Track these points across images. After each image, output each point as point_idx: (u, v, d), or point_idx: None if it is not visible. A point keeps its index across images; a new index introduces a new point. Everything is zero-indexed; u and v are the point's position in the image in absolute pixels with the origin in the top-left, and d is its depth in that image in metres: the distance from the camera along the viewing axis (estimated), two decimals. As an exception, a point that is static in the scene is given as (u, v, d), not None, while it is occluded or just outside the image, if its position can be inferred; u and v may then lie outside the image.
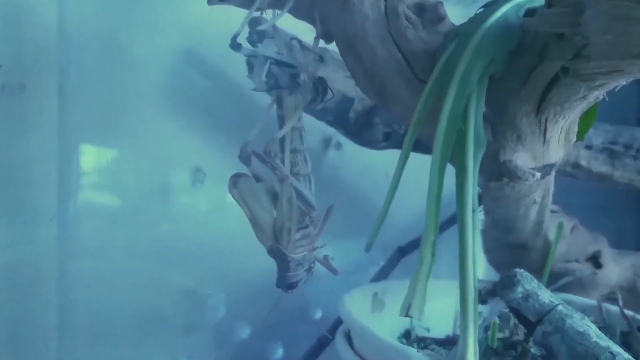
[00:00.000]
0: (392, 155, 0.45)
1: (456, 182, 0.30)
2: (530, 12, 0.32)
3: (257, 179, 0.37)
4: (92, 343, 0.49)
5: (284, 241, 0.36)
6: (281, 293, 0.38)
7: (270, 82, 0.37)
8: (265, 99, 0.40)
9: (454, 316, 0.47)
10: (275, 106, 0.38)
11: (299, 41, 0.40)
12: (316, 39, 0.38)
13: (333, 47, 0.38)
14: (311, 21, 0.38)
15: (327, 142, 0.60)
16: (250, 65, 0.40)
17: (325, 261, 0.38)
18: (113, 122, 0.49)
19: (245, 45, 0.37)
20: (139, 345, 0.52)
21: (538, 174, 0.34)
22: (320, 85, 0.39)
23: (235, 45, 0.36)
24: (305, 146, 0.38)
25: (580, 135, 0.36)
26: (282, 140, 0.38)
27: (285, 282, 0.37)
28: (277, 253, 0.36)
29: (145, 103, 0.51)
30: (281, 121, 0.38)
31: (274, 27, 0.39)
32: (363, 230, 0.34)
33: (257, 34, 0.37)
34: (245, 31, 0.37)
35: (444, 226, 0.39)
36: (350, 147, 0.54)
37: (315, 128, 0.55)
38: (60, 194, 0.47)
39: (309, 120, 0.47)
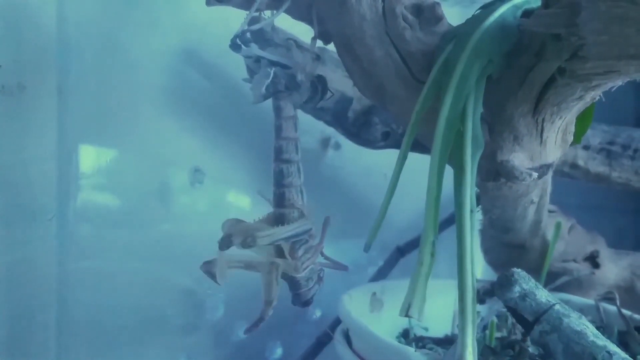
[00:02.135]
0: (391, 156, 0.45)
1: (454, 182, 0.30)
2: (527, 13, 0.32)
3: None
4: (91, 343, 0.49)
5: (289, 268, 0.36)
6: (285, 297, 0.38)
7: (269, 89, 0.37)
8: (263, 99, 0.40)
9: (453, 315, 0.47)
10: (275, 117, 0.38)
11: (296, 41, 0.40)
12: (314, 39, 0.38)
13: (331, 46, 0.38)
14: (309, 22, 0.38)
15: (325, 142, 0.60)
16: (249, 69, 0.40)
17: (330, 264, 0.38)
18: (112, 123, 0.49)
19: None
20: (138, 345, 0.52)
21: (535, 174, 0.34)
22: (320, 84, 0.39)
23: (235, 46, 0.36)
24: (299, 157, 0.38)
25: (577, 138, 0.36)
26: (279, 151, 0.38)
27: (300, 300, 0.38)
28: (285, 276, 0.37)
29: (145, 103, 0.51)
30: (279, 130, 0.38)
31: (272, 27, 0.39)
32: (362, 231, 0.34)
33: (251, 34, 0.37)
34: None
35: (443, 226, 0.39)
36: (349, 147, 0.54)
37: (314, 128, 0.55)
38: (59, 194, 0.47)
39: (308, 119, 0.47)
